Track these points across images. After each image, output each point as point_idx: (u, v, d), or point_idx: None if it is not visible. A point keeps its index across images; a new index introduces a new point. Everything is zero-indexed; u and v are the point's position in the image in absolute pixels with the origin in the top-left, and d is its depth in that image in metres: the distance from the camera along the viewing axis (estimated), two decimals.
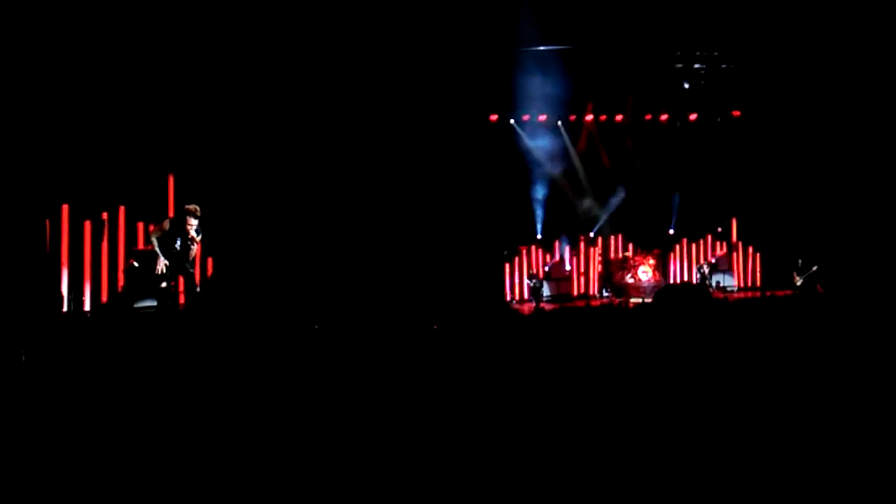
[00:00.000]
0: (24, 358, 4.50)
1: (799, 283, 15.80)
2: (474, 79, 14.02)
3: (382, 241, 13.10)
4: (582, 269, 17.00)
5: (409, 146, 13.54)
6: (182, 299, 11.11)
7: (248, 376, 3.88)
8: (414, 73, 13.11)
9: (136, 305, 10.82)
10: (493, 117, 15.98)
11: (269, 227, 12.67)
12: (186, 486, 2.90)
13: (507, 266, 16.23)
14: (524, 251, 16.55)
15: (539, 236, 16.74)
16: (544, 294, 15.92)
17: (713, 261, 17.31)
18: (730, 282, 17.10)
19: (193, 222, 10.08)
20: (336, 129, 13.10)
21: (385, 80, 12.95)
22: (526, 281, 16.27)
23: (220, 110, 12.39)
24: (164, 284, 10.20)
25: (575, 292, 16.62)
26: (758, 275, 17.59)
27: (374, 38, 12.33)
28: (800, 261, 15.93)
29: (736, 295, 15.47)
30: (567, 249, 16.88)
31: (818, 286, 14.52)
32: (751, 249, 17.75)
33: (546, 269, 16.56)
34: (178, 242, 10.06)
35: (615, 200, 16.76)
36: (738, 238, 17.80)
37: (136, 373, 4.30)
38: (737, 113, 16.92)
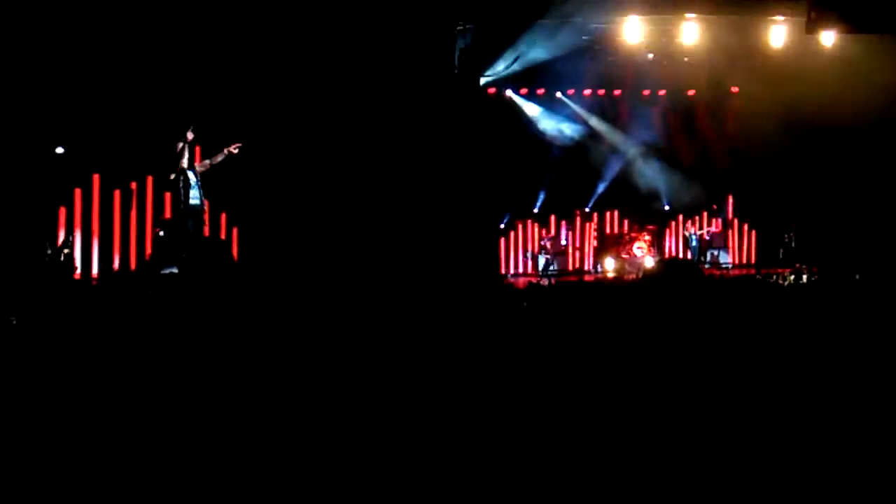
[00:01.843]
0: (14, 321, 4.54)
1: (794, 246, 15.83)
2: (472, 48, 13.98)
3: (376, 214, 13.14)
4: (578, 244, 17.03)
5: (404, 118, 13.52)
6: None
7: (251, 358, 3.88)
8: (409, 41, 13.06)
9: (162, 272, 11.02)
10: (492, 90, 15.94)
11: (276, 199, 12.89)
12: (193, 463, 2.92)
13: (503, 240, 16.28)
14: (520, 225, 16.57)
15: (536, 210, 16.77)
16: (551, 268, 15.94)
17: (708, 237, 17.32)
18: (725, 259, 17.13)
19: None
20: (332, 98, 13.11)
21: (378, 47, 12.90)
22: (538, 254, 16.26)
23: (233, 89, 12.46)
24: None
25: (570, 267, 16.67)
26: (753, 252, 17.62)
27: (376, 10, 12.28)
28: (786, 236, 15.99)
29: (732, 272, 15.52)
30: (563, 224, 16.91)
31: (814, 268, 14.53)
32: (746, 227, 17.78)
33: (542, 243, 16.58)
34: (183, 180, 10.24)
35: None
36: (734, 215, 17.82)
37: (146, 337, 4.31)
38: (735, 89, 16.87)
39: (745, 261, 17.68)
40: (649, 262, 15.80)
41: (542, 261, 16.14)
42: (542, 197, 16.68)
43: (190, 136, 10.38)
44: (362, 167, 13.26)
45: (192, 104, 11.79)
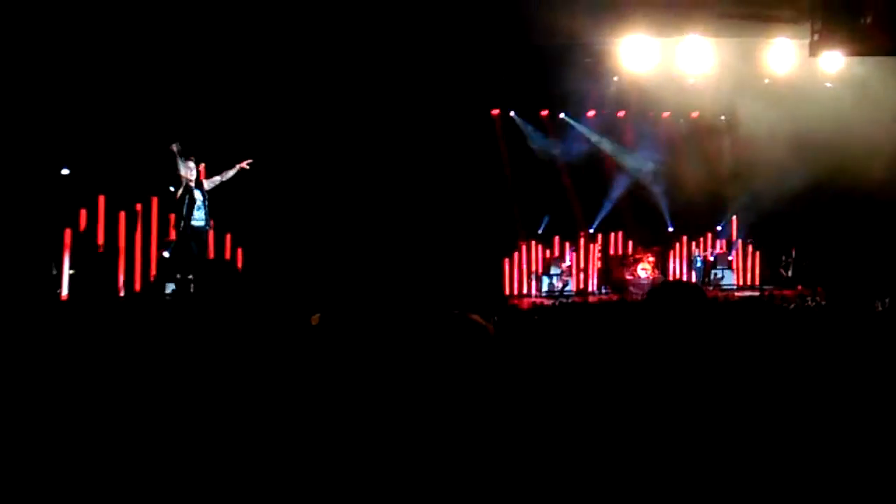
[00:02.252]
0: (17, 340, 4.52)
1: (790, 275, 15.83)
2: (478, 74, 14.03)
3: (382, 235, 13.17)
4: (582, 266, 17.00)
5: (412, 141, 13.60)
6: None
7: (252, 368, 3.86)
8: (419, 68, 13.14)
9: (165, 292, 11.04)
10: (495, 112, 16.02)
11: (281, 220, 12.89)
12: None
13: (507, 261, 16.28)
14: (524, 246, 16.56)
15: (540, 231, 16.76)
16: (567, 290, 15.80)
17: (712, 258, 17.29)
18: (730, 279, 17.02)
19: (192, 171, 10.25)
20: (342, 124, 13.20)
21: (389, 76, 13.00)
22: (549, 279, 16.10)
23: (240, 108, 12.50)
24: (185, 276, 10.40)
25: (574, 288, 16.63)
26: (757, 274, 17.59)
27: (381, 37, 12.34)
28: (783, 257, 15.98)
29: (736, 294, 15.47)
30: (567, 245, 16.89)
31: (819, 289, 14.47)
32: (750, 248, 17.75)
33: (561, 265, 16.52)
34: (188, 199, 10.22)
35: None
36: (738, 236, 17.81)
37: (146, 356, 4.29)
38: (740, 111, 16.89)
39: (749, 282, 17.64)
40: (653, 283, 15.76)
41: (556, 283, 15.96)
42: (546, 218, 16.67)
43: (175, 147, 10.34)
44: (367, 188, 13.30)
45: (199, 125, 11.85)
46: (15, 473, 2.87)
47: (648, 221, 17.11)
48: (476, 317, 3.55)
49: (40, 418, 3.27)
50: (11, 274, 10.51)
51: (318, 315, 4.54)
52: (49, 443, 3.09)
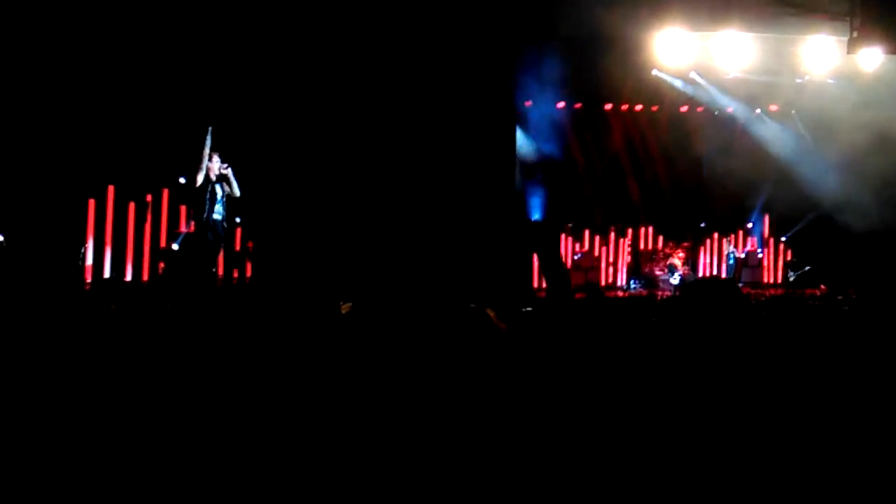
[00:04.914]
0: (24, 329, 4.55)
1: (792, 279, 15.69)
2: (507, 67, 13.96)
3: (410, 227, 13.12)
4: (611, 260, 16.94)
5: (441, 133, 13.54)
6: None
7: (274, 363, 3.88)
8: (448, 60, 13.08)
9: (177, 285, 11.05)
10: (527, 103, 15.96)
11: (306, 214, 12.83)
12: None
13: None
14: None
15: (570, 224, 16.71)
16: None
17: (742, 255, 17.17)
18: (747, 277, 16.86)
19: (215, 164, 10.29)
20: (369, 115, 13.14)
21: (421, 65, 12.93)
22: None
23: (262, 99, 12.46)
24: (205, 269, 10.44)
25: (603, 282, 16.57)
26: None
27: (417, 24, 12.29)
28: (791, 256, 15.85)
29: (768, 292, 15.35)
30: (597, 239, 16.83)
31: (822, 286, 14.34)
32: (782, 246, 17.58)
33: (576, 257, 16.49)
34: (209, 190, 10.25)
35: None
36: (770, 234, 17.65)
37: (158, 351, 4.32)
38: (774, 107, 16.73)
39: (780, 280, 17.49)
40: (684, 279, 15.66)
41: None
42: (576, 211, 16.62)
43: (208, 135, 10.36)
44: (389, 177, 13.22)
45: (211, 117, 11.85)
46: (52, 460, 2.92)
47: (680, 217, 16.98)
48: (490, 311, 3.55)
49: (69, 405, 3.32)
50: (20, 263, 10.52)
51: (349, 304, 4.54)
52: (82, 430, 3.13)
